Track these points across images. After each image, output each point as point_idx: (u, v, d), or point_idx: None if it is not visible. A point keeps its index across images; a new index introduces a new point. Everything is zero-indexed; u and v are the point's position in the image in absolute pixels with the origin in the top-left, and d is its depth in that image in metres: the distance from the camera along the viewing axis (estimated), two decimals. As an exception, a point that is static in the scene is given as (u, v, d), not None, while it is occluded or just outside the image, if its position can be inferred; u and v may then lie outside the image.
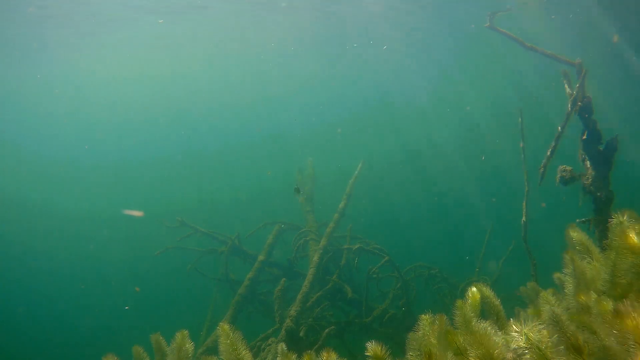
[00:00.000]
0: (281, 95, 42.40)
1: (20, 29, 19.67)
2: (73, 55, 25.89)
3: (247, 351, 3.52)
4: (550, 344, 2.73)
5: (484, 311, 3.76)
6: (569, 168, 6.81)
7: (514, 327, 2.90)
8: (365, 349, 2.99)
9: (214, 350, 6.99)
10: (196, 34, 24.15)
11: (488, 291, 3.78)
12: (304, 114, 48.65)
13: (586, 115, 6.71)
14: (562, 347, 2.81)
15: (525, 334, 2.76)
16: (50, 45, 23.40)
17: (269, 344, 9.21)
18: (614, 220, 3.53)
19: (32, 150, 47.20)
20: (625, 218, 3.50)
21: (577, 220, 6.41)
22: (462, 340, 2.95)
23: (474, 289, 3.68)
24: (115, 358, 3.89)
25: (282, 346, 3.97)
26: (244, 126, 49.78)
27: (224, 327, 3.54)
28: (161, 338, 4.24)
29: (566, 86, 6.89)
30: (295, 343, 8.83)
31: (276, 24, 22.80)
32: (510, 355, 2.98)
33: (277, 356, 3.20)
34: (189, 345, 4.02)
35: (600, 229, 6.34)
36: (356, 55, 29.53)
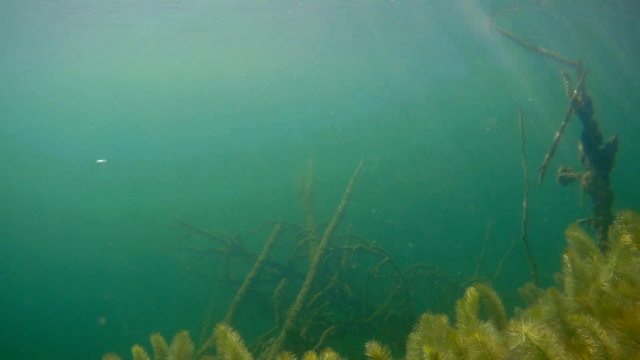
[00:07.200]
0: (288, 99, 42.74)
1: (29, 25, 19.73)
2: (84, 57, 26.01)
3: (246, 351, 3.52)
4: (550, 343, 2.73)
5: (485, 311, 3.76)
6: (569, 168, 6.81)
7: (514, 327, 2.90)
8: (365, 349, 2.99)
9: (214, 350, 6.99)
10: (205, 38, 24.19)
11: (489, 291, 3.77)
12: (310, 118, 48.93)
13: (586, 116, 6.71)
14: (563, 347, 2.81)
15: (525, 333, 2.76)
16: (61, 48, 23.52)
17: (269, 344, 9.21)
18: (618, 220, 3.53)
19: (46, 153, 47.46)
20: (628, 218, 3.51)
21: (578, 220, 6.41)
22: (462, 340, 2.95)
23: (473, 288, 3.68)
24: (116, 358, 3.89)
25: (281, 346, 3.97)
26: (249, 131, 50.12)
27: (220, 328, 3.55)
28: (161, 338, 4.25)
29: (566, 86, 6.89)
30: (295, 343, 8.83)
31: (283, 29, 22.86)
32: (510, 355, 2.98)
33: (277, 356, 3.20)
34: (189, 346, 4.03)
35: (600, 229, 6.34)
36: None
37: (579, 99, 6.68)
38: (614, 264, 3.53)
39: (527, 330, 2.76)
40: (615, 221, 3.68)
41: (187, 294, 18.62)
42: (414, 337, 3.27)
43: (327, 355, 3.11)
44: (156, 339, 4.23)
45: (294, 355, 3.19)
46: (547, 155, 6.83)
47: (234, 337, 3.52)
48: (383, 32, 23.75)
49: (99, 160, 12.52)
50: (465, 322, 3.28)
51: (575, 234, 4.14)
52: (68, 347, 19.60)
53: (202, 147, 49.19)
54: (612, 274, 3.53)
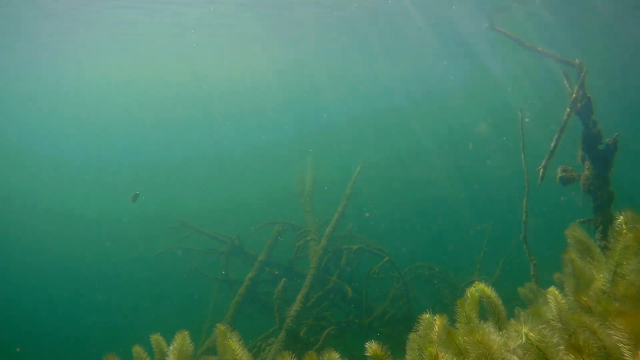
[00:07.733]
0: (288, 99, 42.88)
1: (29, 23, 19.73)
2: (84, 55, 26.03)
3: (246, 351, 3.52)
4: (550, 344, 2.73)
5: (485, 311, 3.76)
6: (569, 168, 6.80)
7: (514, 327, 2.90)
8: (365, 349, 2.99)
9: (214, 350, 6.99)
10: (206, 38, 24.20)
11: (489, 291, 3.77)
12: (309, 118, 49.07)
13: (586, 116, 6.70)
14: (563, 347, 2.81)
15: (525, 334, 2.75)
16: (62, 46, 23.55)
17: (269, 344, 9.21)
18: (618, 220, 3.53)
19: (46, 154, 47.52)
20: (628, 218, 3.51)
21: (578, 220, 6.40)
22: (462, 340, 2.94)
23: (473, 288, 3.68)
24: (116, 358, 3.89)
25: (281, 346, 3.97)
26: (249, 131, 50.25)
27: (220, 328, 3.55)
28: (161, 338, 4.25)
29: (566, 86, 6.88)
30: (295, 343, 8.82)
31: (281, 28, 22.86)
32: (510, 355, 2.98)
33: (277, 356, 3.21)
34: (189, 346, 4.03)
35: (600, 229, 6.34)
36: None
37: (579, 98, 6.68)
38: (614, 264, 3.53)
39: (526, 330, 2.76)
40: (615, 221, 3.67)
41: (187, 294, 18.62)
42: (414, 337, 3.27)
43: (328, 355, 3.11)
44: (156, 339, 4.23)
45: (294, 355, 3.19)
46: (547, 155, 6.82)
47: (234, 337, 3.52)
48: (379, 35, 23.81)
49: (135, 195, 12.86)
50: (465, 322, 3.28)
51: (575, 234, 4.14)
52: (68, 347, 19.60)
53: (201, 147, 49.29)
54: (612, 274, 3.53)
